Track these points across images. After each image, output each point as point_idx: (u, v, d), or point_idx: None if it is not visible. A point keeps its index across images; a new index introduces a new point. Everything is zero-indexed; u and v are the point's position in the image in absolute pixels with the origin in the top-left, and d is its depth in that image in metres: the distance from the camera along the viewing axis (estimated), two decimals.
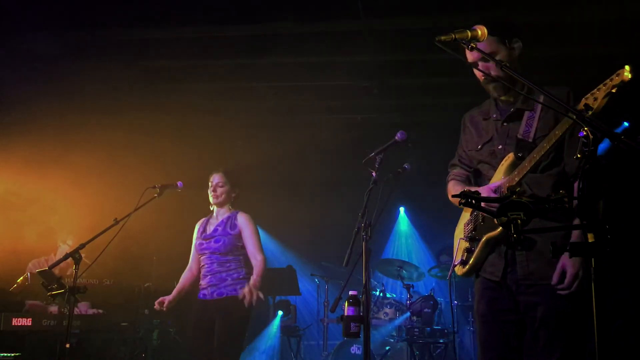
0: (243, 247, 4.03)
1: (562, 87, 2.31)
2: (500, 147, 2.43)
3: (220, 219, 4.12)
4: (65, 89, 5.64)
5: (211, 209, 4.22)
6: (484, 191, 2.39)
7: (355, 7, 4.46)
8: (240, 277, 3.95)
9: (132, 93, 5.98)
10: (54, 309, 4.41)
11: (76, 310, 4.49)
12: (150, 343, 4.85)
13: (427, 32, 4.59)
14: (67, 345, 3.31)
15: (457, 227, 2.61)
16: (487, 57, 2.19)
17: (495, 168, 2.41)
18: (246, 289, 3.76)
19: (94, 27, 4.96)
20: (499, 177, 2.37)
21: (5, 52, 5.13)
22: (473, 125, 2.62)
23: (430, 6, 4.53)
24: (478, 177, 2.60)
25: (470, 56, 2.39)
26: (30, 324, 4.08)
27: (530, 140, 2.28)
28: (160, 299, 4.03)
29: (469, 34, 2.00)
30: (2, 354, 3.97)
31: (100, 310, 4.63)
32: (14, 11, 4.65)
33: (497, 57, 2.32)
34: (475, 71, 2.40)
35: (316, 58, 5.40)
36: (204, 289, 3.98)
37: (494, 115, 2.51)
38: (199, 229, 4.19)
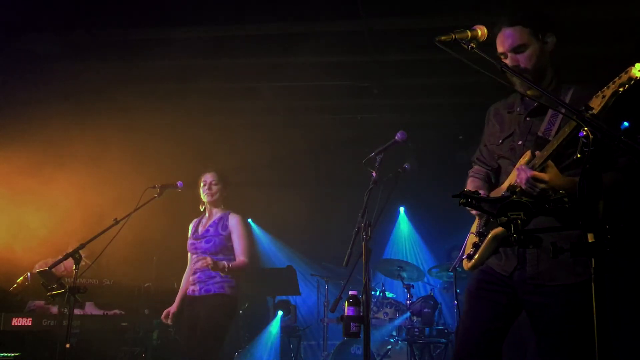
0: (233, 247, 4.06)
1: (591, 85, 2.19)
2: (520, 142, 2.37)
3: (213, 219, 4.13)
4: (65, 89, 5.65)
5: (202, 209, 4.23)
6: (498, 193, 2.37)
7: (355, 7, 4.46)
8: (229, 276, 3.96)
9: (131, 93, 5.99)
10: (54, 308, 4.41)
11: (81, 311, 4.49)
12: (150, 343, 4.85)
13: (427, 32, 4.61)
14: (67, 345, 3.30)
15: (474, 223, 2.58)
16: (486, 57, 2.16)
17: (514, 164, 2.36)
18: (211, 259, 3.76)
19: (94, 27, 4.96)
20: (515, 175, 2.31)
21: (6, 52, 5.13)
22: (497, 118, 2.56)
23: (430, 6, 4.52)
24: (498, 173, 2.56)
25: (500, 47, 2.32)
26: (30, 324, 4.08)
27: (551, 138, 2.20)
28: (165, 311, 4.07)
29: (469, 33, 1.99)
30: (2, 354, 3.97)
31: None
32: (14, 11, 4.65)
33: (528, 51, 2.28)
34: (503, 61, 2.32)
35: (316, 58, 5.40)
36: (192, 285, 4.01)
37: (518, 109, 2.45)
38: (191, 229, 4.22)
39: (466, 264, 2.50)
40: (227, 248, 4.03)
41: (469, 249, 2.50)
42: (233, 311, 4.00)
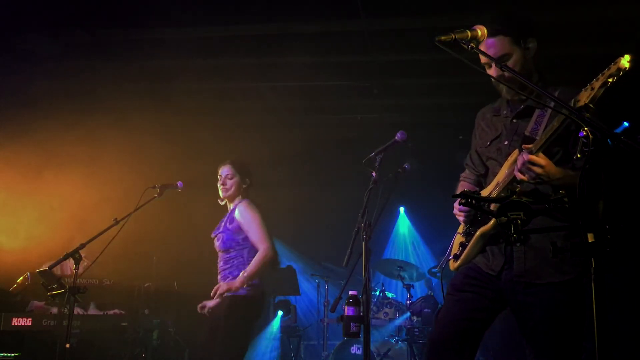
0: (245, 240, 3.79)
1: (577, 86, 2.21)
2: (506, 142, 2.40)
3: (227, 213, 3.96)
4: (65, 89, 5.65)
5: (221, 203, 4.02)
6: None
7: (355, 7, 4.46)
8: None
9: (132, 93, 5.98)
10: (54, 308, 4.41)
11: (81, 311, 4.50)
12: (150, 343, 4.85)
13: (427, 32, 4.61)
14: (67, 345, 3.30)
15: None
16: (489, 58, 2.16)
17: (501, 164, 2.39)
18: (220, 287, 3.58)
19: (94, 27, 4.96)
20: (503, 173, 2.34)
21: (6, 52, 5.13)
22: (484, 122, 2.59)
23: (430, 6, 4.52)
24: (486, 174, 2.57)
25: (483, 57, 2.33)
26: (30, 324, 4.08)
27: (538, 138, 2.21)
28: (205, 302, 3.79)
29: (469, 34, 2.00)
30: (2, 354, 3.97)
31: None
32: (14, 11, 4.65)
33: (512, 60, 2.29)
34: (488, 71, 2.34)
35: (316, 58, 5.40)
36: None
37: (504, 112, 2.48)
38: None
39: (452, 264, 2.51)
40: (237, 243, 3.78)
41: (455, 249, 2.52)
42: (251, 312, 3.72)
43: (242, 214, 3.80)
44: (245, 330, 3.73)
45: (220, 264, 3.85)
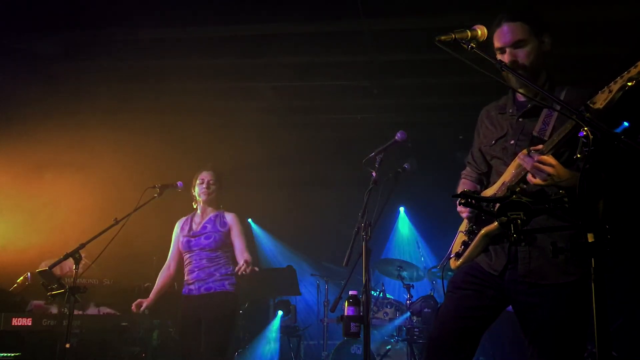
0: (231, 244, 4.06)
1: (584, 85, 2.22)
2: (512, 142, 2.35)
3: (207, 216, 4.12)
4: (65, 89, 5.65)
5: (195, 206, 4.21)
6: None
7: (355, 7, 4.46)
8: (229, 272, 3.98)
9: (131, 93, 5.99)
10: (54, 308, 4.41)
11: (81, 311, 4.50)
12: (150, 343, 4.85)
13: (427, 32, 4.61)
14: (67, 345, 3.31)
15: (463, 222, 2.56)
16: (486, 57, 2.15)
17: (506, 164, 2.35)
18: (242, 262, 3.72)
19: (94, 27, 4.96)
20: (510, 172, 2.31)
21: (6, 52, 5.13)
22: (489, 120, 2.55)
23: (430, 6, 4.52)
24: (489, 175, 2.53)
25: (498, 41, 2.31)
26: (30, 324, 4.08)
27: (546, 138, 2.18)
28: (138, 301, 4.06)
29: (469, 33, 1.99)
30: (2, 354, 3.97)
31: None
32: (14, 11, 4.65)
33: (528, 47, 2.27)
34: (500, 57, 2.31)
35: (316, 58, 5.40)
36: (190, 284, 3.97)
37: (510, 111, 2.44)
38: (181, 227, 4.18)
39: (454, 263, 2.49)
40: (225, 244, 4.04)
41: (457, 248, 2.49)
42: (237, 307, 4.03)
43: (235, 223, 4.09)
44: (234, 324, 4.02)
45: (202, 261, 3.98)
